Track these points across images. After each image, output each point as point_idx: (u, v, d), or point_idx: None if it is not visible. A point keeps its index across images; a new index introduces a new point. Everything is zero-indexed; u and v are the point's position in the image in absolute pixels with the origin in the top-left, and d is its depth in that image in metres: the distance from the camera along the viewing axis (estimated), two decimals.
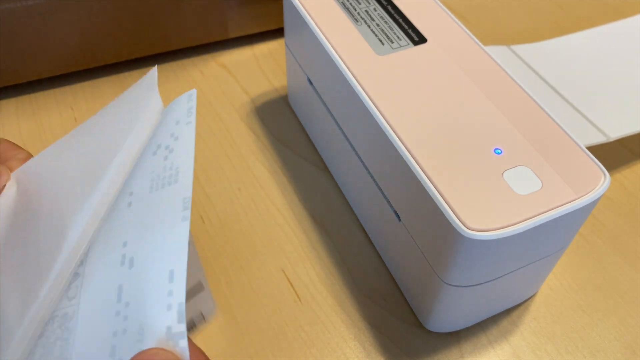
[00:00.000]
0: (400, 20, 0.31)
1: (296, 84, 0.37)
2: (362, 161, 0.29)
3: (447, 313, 0.27)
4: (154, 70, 0.26)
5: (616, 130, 0.34)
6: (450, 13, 0.31)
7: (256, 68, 0.43)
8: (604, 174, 0.24)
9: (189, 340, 0.17)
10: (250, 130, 0.39)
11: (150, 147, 0.22)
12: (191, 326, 0.24)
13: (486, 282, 0.25)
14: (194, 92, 0.22)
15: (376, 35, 0.30)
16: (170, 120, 0.22)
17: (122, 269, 0.19)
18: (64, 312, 0.20)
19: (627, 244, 0.33)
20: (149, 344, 0.17)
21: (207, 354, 0.19)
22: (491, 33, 0.47)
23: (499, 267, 0.24)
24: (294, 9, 0.32)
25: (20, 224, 0.24)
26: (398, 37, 0.30)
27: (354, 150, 0.30)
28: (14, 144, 0.28)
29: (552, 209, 0.22)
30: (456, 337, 0.29)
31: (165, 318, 0.17)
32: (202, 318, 0.25)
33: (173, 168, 0.20)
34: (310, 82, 0.34)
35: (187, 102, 0.22)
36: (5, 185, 0.25)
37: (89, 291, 0.20)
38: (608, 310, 0.30)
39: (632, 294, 0.31)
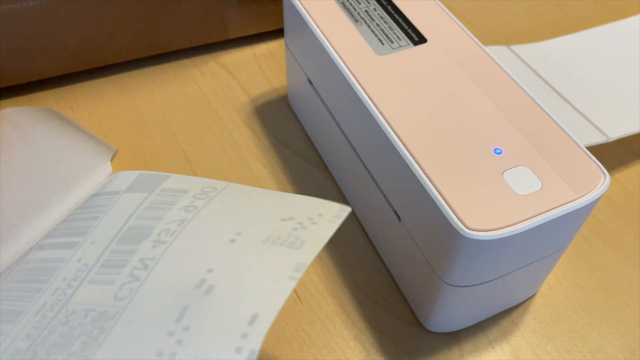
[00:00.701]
0: (400, 20, 0.31)
1: (296, 84, 0.37)
2: (362, 161, 0.29)
3: (447, 313, 0.27)
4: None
5: (616, 130, 0.34)
6: (450, 13, 0.31)
7: (256, 68, 0.43)
8: (604, 174, 0.24)
9: None
10: (250, 130, 0.39)
11: (277, 212, 0.21)
12: None
13: (486, 282, 0.25)
14: (347, 210, 0.20)
15: (376, 35, 0.30)
16: (314, 207, 0.20)
17: (195, 291, 0.18)
18: (104, 310, 0.19)
19: (628, 244, 0.33)
20: None
21: None
22: (491, 33, 0.47)
23: (499, 267, 0.24)
24: (293, 9, 0.32)
25: None
26: (398, 37, 0.30)
27: (354, 150, 0.30)
28: None
29: (552, 209, 0.22)
30: (456, 337, 0.29)
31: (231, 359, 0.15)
32: None
33: (299, 239, 0.19)
34: (310, 82, 0.34)
35: (339, 210, 0.20)
36: None
37: (145, 299, 0.18)
38: (608, 310, 0.30)
39: (632, 294, 0.31)
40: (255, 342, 0.15)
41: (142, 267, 0.20)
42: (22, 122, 0.31)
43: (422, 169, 0.24)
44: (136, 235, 0.21)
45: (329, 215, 0.20)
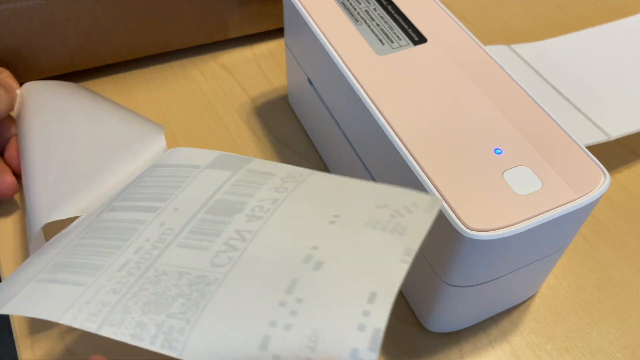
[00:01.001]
0: (400, 20, 0.31)
1: (296, 84, 0.37)
2: (362, 161, 0.29)
3: (447, 313, 0.27)
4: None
5: (617, 129, 0.34)
6: (450, 13, 0.31)
7: (256, 68, 0.43)
8: (604, 174, 0.24)
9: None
10: (250, 130, 0.39)
11: (370, 199, 0.21)
12: None
13: (486, 282, 0.25)
14: (440, 201, 0.20)
15: (376, 35, 0.30)
16: (407, 196, 0.20)
17: (303, 266, 0.17)
18: (201, 275, 0.18)
19: (627, 244, 0.33)
20: (323, 356, 0.15)
21: None
22: (491, 33, 0.47)
23: (499, 267, 0.24)
24: (294, 9, 0.32)
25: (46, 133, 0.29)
26: (398, 37, 0.30)
27: (354, 149, 0.30)
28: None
29: (552, 209, 0.22)
30: (456, 337, 0.29)
31: (353, 338, 0.15)
32: None
33: (400, 226, 0.19)
34: (310, 82, 0.34)
35: (432, 201, 0.20)
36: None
37: (247, 268, 0.18)
38: (608, 310, 0.30)
39: (632, 294, 0.31)
40: (379, 321, 0.15)
41: (239, 238, 0.19)
42: (93, 94, 0.34)
43: (422, 169, 0.24)
44: (226, 208, 0.21)
45: (424, 205, 0.20)
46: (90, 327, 0.17)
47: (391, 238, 0.18)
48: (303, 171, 0.23)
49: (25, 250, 0.32)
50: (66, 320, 0.18)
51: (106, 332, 0.17)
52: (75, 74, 0.42)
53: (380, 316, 0.15)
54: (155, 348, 0.16)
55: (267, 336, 0.15)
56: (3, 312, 0.19)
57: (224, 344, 0.16)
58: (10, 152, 0.34)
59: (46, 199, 0.28)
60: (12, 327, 0.29)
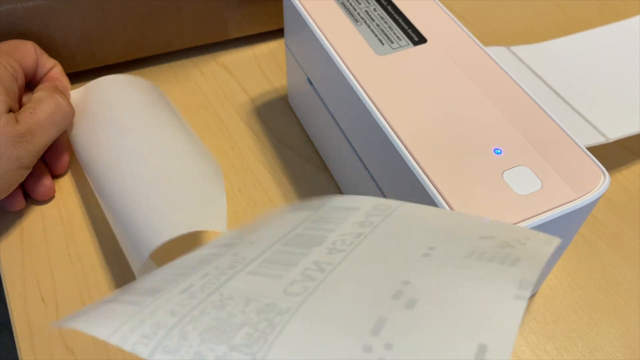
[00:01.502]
0: (400, 20, 0.31)
1: (296, 84, 0.37)
2: (361, 161, 0.29)
3: None
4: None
5: (615, 131, 0.34)
6: (450, 13, 0.31)
7: (256, 68, 0.43)
8: (604, 174, 0.24)
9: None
10: (250, 130, 0.39)
11: (473, 230, 0.18)
12: None
13: None
14: (557, 240, 0.17)
15: (376, 36, 0.30)
16: (518, 231, 0.18)
17: (392, 303, 0.15)
18: (272, 302, 0.16)
19: (627, 244, 0.33)
20: None
21: None
22: (491, 33, 0.47)
23: None
24: (294, 9, 0.32)
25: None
26: (398, 37, 0.30)
27: (354, 150, 0.30)
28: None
29: (551, 209, 0.22)
30: None
31: None
32: None
33: (511, 257, 0.16)
34: (310, 82, 0.34)
35: (548, 238, 0.17)
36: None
37: (326, 301, 0.16)
38: (608, 310, 0.30)
39: (632, 294, 0.31)
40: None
41: (318, 269, 0.17)
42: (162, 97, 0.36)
43: (422, 169, 0.24)
44: (306, 242, 0.19)
45: (538, 240, 0.17)
46: (142, 351, 0.15)
47: (500, 269, 0.15)
48: (391, 203, 0.20)
49: (26, 251, 0.32)
50: (116, 340, 0.16)
51: (159, 358, 0.15)
52: (75, 74, 0.42)
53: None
54: None
55: None
56: (62, 325, 0.18)
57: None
58: (52, 153, 0.34)
59: (152, 219, 0.27)
60: (13, 327, 0.29)
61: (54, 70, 0.35)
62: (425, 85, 0.27)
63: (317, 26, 0.30)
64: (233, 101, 0.41)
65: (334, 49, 0.29)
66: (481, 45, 0.30)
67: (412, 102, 0.26)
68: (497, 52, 0.38)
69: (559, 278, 0.31)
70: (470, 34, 0.30)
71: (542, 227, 0.23)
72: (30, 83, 0.35)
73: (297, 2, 0.31)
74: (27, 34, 0.37)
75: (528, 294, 0.13)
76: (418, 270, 0.16)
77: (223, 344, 0.15)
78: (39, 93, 0.32)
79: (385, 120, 0.26)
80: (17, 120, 0.30)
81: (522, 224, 0.22)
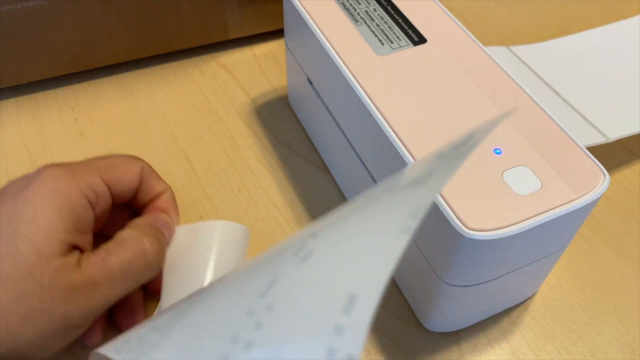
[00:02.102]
0: (400, 20, 0.31)
1: (296, 84, 0.37)
2: (361, 161, 0.30)
3: (447, 313, 0.27)
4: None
5: (615, 131, 0.34)
6: (450, 13, 0.31)
7: (256, 68, 0.43)
8: (604, 174, 0.24)
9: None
10: (250, 130, 0.39)
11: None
12: None
13: (486, 282, 0.25)
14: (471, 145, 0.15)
15: (376, 36, 0.30)
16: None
17: (292, 259, 0.13)
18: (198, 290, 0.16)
19: (627, 244, 0.33)
20: None
21: None
22: (491, 33, 0.47)
23: (498, 267, 0.24)
24: (294, 9, 0.32)
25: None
26: (398, 37, 0.30)
27: (354, 150, 0.30)
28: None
29: (551, 209, 0.22)
30: (456, 337, 0.29)
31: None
32: None
33: (424, 176, 0.14)
34: (310, 82, 0.34)
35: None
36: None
37: (236, 272, 0.15)
38: (608, 310, 0.30)
39: (632, 294, 0.31)
40: (353, 344, 0.10)
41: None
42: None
43: None
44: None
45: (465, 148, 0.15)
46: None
47: (405, 195, 0.13)
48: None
49: None
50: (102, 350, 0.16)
51: (104, 350, 0.16)
52: (76, 74, 0.42)
53: (355, 334, 0.11)
54: None
55: (226, 355, 0.12)
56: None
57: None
58: (122, 308, 0.27)
59: None
60: None
61: (164, 197, 0.28)
62: (425, 85, 0.27)
63: (317, 26, 0.30)
64: (233, 101, 0.41)
65: (334, 49, 0.29)
66: (481, 45, 0.30)
67: (412, 102, 0.26)
68: (497, 52, 0.38)
69: (559, 278, 0.31)
70: (470, 34, 0.30)
71: (542, 227, 0.23)
72: (133, 204, 0.28)
73: (297, 2, 0.31)
74: (28, 34, 0.37)
75: (416, 223, 0.12)
76: (328, 224, 0.14)
77: (147, 327, 0.15)
78: (126, 232, 0.25)
79: (385, 120, 0.26)
80: (79, 265, 0.22)
81: (522, 224, 0.22)
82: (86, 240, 0.24)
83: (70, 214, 0.23)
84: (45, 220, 0.22)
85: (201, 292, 0.16)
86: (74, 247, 0.23)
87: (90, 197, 0.24)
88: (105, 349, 0.16)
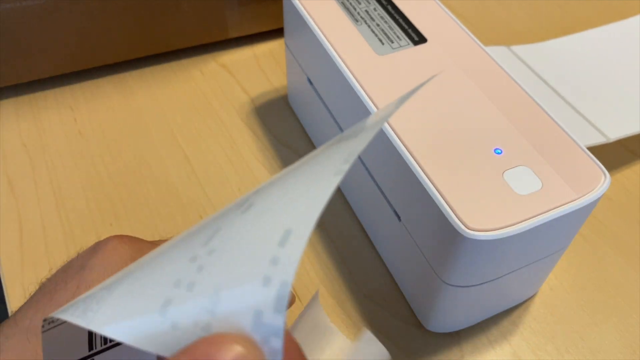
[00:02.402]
0: (400, 20, 0.31)
1: (296, 84, 0.37)
2: (362, 161, 0.29)
3: (448, 313, 0.27)
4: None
5: (616, 131, 0.34)
6: (450, 13, 0.31)
7: (256, 68, 0.43)
8: (604, 174, 0.24)
9: (287, 336, 0.12)
10: (250, 130, 0.39)
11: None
12: None
13: (486, 282, 0.25)
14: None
15: (376, 35, 0.30)
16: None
17: (235, 212, 0.14)
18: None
19: (628, 244, 0.33)
20: (221, 325, 0.11)
21: None
22: (491, 33, 0.47)
23: (499, 267, 0.24)
24: (294, 9, 0.32)
25: None
26: (398, 37, 0.30)
27: None
28: None
29: (552, 209, 0.22)
30: (456, 337, 0.29)
31: (257, 295, 0.11)
32: None
33: (358, 129, 0.15)
34: (310, 82, 0.34)
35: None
36: None
37: (194, 227, 0.15)
38: (608, 310, 0.30)
39: (633, 294, 0.31)
40: (287, 272, 0.11)
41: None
42: None
43: (422, 169, 0.24)
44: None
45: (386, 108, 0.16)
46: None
47: (336, 148, 0.14)
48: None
49: (26, 252, 0.32)
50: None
51: (54, 314, 0.15)
52: (75, 74, 0.42)
53: (289, 262, 0.11)
54: (72, 319, 0.14)
55: (169, 299, 0.12)
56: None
57: (129, 308, 0.13)
58: None
59: None
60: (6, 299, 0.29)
61: None
62: (425, 85, 0.27)
63: (317, 26, 0.30)
64: (233, 101, 0.41)
65: (334, 49, 0.29)
66: (481, 45, 0.29)
67: (413, 102, 0.26)
68: (498, 52, 0.38)
69: (560, 278, 0.31)
70: (470, 33, 0.30)
71: (543, 227, 0.23)
72: None
73: (297, 1, 0.31)
74: (27, 33, 0.37)
75: (348, 166, 0.13)
76: (268, 183, 0.15)
77: (100, 287, 0.15)
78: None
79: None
80: None
81: (522, 224, 0.22)
82: None
83: None
84: None
85: (149, 255, 0.16)
86: None
87: None
88: (54, 313, 0.15)
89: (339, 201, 0.35)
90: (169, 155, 0.37)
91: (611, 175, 0.36)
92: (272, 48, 0.45)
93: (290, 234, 0.12)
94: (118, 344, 0.16)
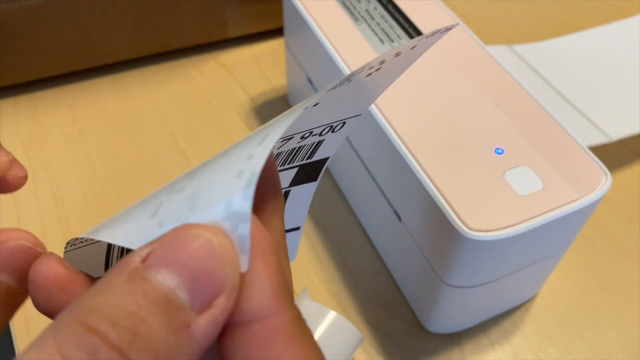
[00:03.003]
0: (401, 19, 0.31)
1: (296, 84, 0.37)
2: (362, 161, 0.29)
3: (448, 314, 0.27)
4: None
5: (617, 130, 0.34)
6: (451, 12, 0.31)
7: (256, 68, 0.43)
8: (606, 174, 0.24)
9: (254, 222, 0.12)
10: (250, 130, 0.39)
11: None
12: None
13: (487, 282, 0.25)
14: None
15: (376, 35, 0.30)
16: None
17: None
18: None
19: (629, 244, 0.33)
20: (198, 217, 0.12)
21: None
22: (492, 32, 0.47)
23: (500, 268, 0.24)
24: (294, 8, 0.32)
25: None
26: (398, 36, 0.29)
27: (354, 150, 0.30)
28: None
29: (553, 209, 0.22)
30: (457, 338, 0.29)
31: (230, 187, 0.12)
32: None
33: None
34: (310, 82, 0.33)
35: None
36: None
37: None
38: (610, 310, 0.30)
39: (634, 295, 0.31)
40: (257, 163, 0.12)
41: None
42: None
43: (422, 169, 0.24)
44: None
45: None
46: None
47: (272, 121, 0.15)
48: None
49: None
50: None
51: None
52: (74, 74, 0.42)
53: (261, 155, 0.12)
54: (83, 234, 0.15)
55: (160, 203, 0.13)
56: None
57: (126, 218, 0.14)
58: None
59: None
60: (11, 328, 0.29)
61: None
62: (426, 84, 0.27)
63: (317, 25, 0.30)
64: (233, 101, 0.41)
65: (334, 48, 0.29)
66: (482, 44, 0.29)
67: (413, 102, 0.26)
68: (499, 51, 0.38)
69: (561, 279, 0.31)
70: (471, 32, 0.30)
71: (544, 228, 0.22)
72: None
73: (297, 1, 0.31)
74: (26, 33, 0.37)
75: (293, 117, 0.13)
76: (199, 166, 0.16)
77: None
78: None
79: (385, 119, 0.25)
80: None
81: (523, 225, 0.22)
82: None
83: None
84: None
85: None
86: None
87: None
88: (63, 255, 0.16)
89: (339, 201, 0.35)
90: (168, 155, 0.37)
91: (612, 175, 0.36)
92: (271, 48, 0.45)
93: (267, 136, 0.13)
94: None
